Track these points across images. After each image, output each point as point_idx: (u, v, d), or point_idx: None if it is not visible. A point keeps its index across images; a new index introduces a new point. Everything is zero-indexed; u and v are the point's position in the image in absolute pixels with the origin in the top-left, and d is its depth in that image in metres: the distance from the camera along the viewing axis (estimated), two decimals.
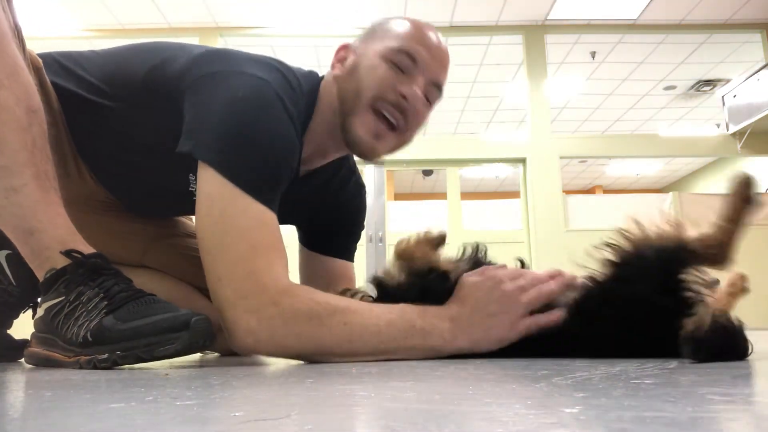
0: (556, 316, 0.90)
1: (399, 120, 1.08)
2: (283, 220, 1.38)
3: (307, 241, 1.36)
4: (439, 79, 1.11)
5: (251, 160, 0.95)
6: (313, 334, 0.89)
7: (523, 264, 1.02)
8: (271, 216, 0.95)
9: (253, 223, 0.93)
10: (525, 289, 0.93)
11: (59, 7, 4.88)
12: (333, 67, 1.14)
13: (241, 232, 0.92)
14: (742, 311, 0.91)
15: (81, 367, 0.88)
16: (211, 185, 0.94)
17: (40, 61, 1.07)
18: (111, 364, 0.86)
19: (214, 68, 1.01)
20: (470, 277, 0.96)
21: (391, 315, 0.91)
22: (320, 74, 1.19)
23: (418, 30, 1.11)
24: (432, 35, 1.12)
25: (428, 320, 0.91)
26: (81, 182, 1.14)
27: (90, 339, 0.88)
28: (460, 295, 0.95)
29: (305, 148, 1.12)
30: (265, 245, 0.93)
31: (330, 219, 1.32)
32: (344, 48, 1.16)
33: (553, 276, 0.95)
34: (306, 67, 1.16)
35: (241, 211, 0.92)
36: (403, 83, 1.07)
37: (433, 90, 1.12)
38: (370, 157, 1.11)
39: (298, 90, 1.06)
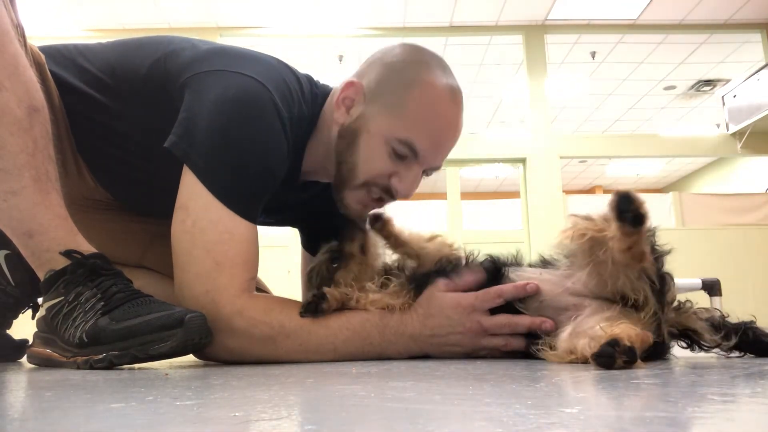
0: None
1: (386, 199, 1.11)
2: (283, 223, 1.37)
3: (309, 245, 1.35)
4: (437, 164, 1.09)
5: (232, 168, 0.94)
6: (270, 354, 0.95)
7: (494, 263, 0.98)
8: (245, 227, 0.95)
9: (223, 237, 0.93)
10: (489, 329, 0.92)
11: (60, 7, 4.88)
12: (337, 105, 1.07)
13: (208, 247, 0.93)
14: (743, 311, 0.91)
15: (78, 368, 0.88)
16: (189, 191, 0.95)
17: (42, 56, 1.06)
18: (107, 365, 0.86)
19: (214, 66, 1.00)
20: (442, 295, 0.95)
21: (348, 332, 0.94)
22: (322, 81, 1.17)
23: (433, 115, 1.03)
24: (449, 114, 1.05)
25: (386, 337, 0.95)
26: (80, 181, 1.13)
27: (86, 340, 0.88)
28: (426, 308, 0.95)
29: (305, 161, 1.12)
30: (231, 260, 0.93)
31: (331, 221, 1.31)
32: (352, 88, 1.06)
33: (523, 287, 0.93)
34: (306, 67, 1.14)
35: (212, 223, 0.93)
36: (397, 174, 1.06)
37: (430, 170, 1.11)
38: (356, 218, 1.13)
39: (298, 96, 1.04)
